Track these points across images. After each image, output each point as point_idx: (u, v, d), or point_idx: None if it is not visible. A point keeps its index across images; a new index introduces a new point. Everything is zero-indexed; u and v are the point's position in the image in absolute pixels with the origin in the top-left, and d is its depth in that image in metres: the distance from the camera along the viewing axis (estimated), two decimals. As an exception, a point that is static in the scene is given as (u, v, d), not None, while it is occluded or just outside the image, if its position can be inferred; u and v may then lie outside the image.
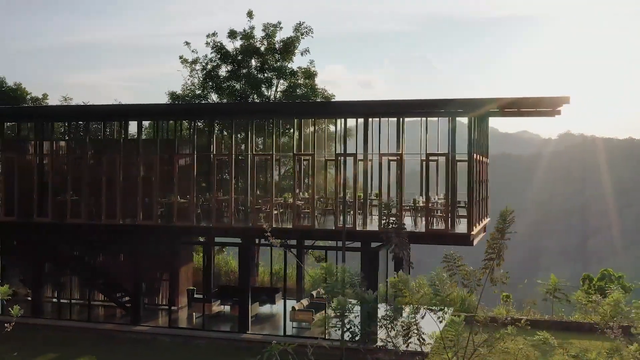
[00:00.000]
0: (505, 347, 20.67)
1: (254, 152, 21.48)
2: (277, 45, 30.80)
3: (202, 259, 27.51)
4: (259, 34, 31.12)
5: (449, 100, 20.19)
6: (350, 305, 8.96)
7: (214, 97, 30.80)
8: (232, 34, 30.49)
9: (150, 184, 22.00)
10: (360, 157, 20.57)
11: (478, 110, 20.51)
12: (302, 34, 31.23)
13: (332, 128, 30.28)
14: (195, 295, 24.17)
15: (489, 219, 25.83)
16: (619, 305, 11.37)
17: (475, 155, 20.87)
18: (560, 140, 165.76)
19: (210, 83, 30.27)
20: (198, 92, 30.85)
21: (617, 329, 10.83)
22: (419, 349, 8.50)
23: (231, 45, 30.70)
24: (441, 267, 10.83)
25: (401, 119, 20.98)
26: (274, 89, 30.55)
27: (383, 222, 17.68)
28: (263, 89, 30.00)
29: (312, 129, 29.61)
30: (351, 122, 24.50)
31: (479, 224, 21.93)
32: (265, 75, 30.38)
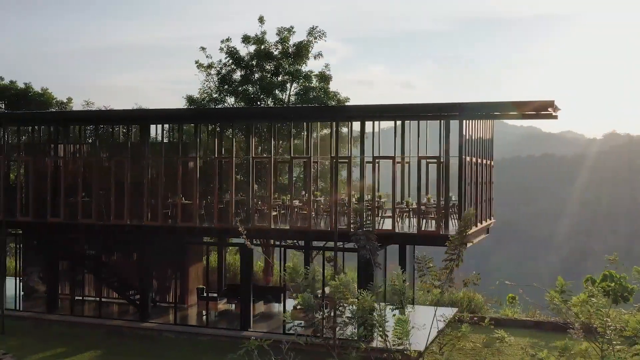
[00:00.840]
0: (462, 345, 20.98)
1: (252, 155, 22.11)
2: (290, 50, 31.41)
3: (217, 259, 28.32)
4: (273, 38, 31.79)
5: (442, 104, 20.54)
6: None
7: (230, 101, 31.57)
8: (246, 39, 31.22)
9: (158, 186, 22.81)
10: (355, 160, 21.08)
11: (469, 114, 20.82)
12: (315, 38, 31.79)
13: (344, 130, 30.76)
14: (204, 294, 24.93)
15: (493, 220, 26.09)
16: (584, 306, 11.72)
17: (471, 157, 21.20)
18: (605, 140, 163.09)
19: (226, 87, 31.05)
20: (215, 95, 31.65)
21: (578, 329, 11.18)
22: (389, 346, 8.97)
23: (245, 50, 31.45)
24: (399, 269, 11.33)
25: (398, 122, 21.41)
26: (287, 92, 31.18)
27: (352, 225, 18.18)
28: (276, 92, 30.64)
29: (321, 132, 30.20)
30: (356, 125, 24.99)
31: (477, 226, 22.19)
32: (279, 78, 31.03)
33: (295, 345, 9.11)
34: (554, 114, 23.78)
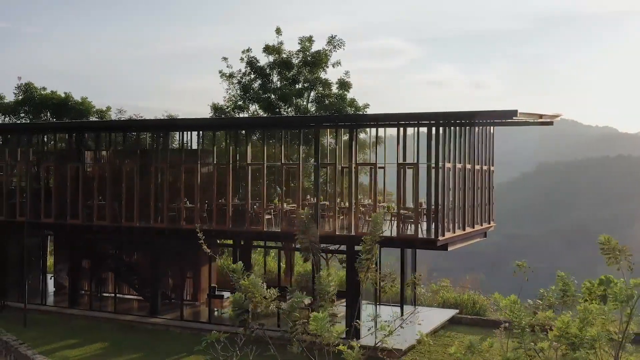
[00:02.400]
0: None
1: (248, 162, 23.43)
2: (309, 58, 32.66)
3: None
4: (295, 47, 33.10)
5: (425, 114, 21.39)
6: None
7: (253, 108, 33.06)
8: (267, 49, 32.64)
9: (168, 190, 24.41)
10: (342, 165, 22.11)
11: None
12: (334, 47, 32.95)
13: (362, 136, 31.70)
14: (214, 292, 26.40)
15: (494, 223, 26.63)
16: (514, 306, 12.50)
17: (454, 164, 21.95)
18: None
19: (247, 95, 32.56)
20: (239, 103, 33.20)
21: (502, 328, 12.02)
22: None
23: (265, 60, 32.87)
24: (326, 271, 12.41)
25: (378, 130, 22.35)
26: (305, 99, 32.43)
27: (299, 227, 19.02)
28: (294, 100, 31.93)
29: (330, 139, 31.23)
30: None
31: (465, 229, 22.88)
32: (298, 86, 32.32)
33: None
34: (547, 120, 24.36)
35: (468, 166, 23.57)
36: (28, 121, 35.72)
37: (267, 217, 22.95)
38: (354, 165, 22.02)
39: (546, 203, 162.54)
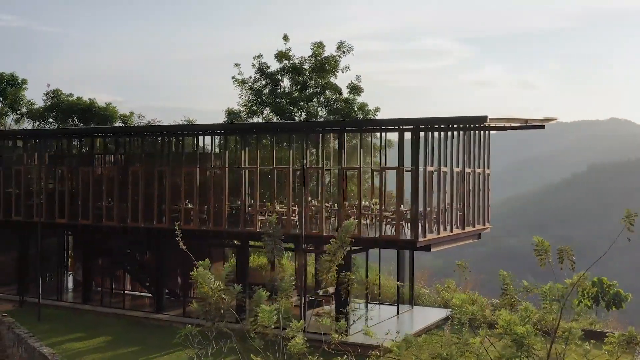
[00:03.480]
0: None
1: (242, 166, 24.49)
2: (319, 64, 33.57)
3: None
4: (307, 53, 34.06)
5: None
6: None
7: (266, 113, 34.15)
8: (278, 55, 33.70)
9: (173, 192, 25.67)
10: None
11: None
12: (343, 52, 33.81)
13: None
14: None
15: (489, 225, 27.14)
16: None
17: (439, 167, 22.62)
18: None
19: (258, 100, 33.66)
20: (254, 107, 34.31)
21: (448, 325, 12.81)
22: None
23: (275, 66, 33.93)
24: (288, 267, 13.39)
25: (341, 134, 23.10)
26: (315, 104, 33.35)
27: (263, 228, 19.77)
28: (302, 104, 32.92)
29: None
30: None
31: (452, 231, 23.51)
32: (308, 91, 33.28)
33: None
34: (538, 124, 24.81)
35: (457, 169, 24.19)
36: (55, 126, 37.48)
37: (260, 218, 23.96)
38: (355, 169, 22.91)
39: (597, 204, 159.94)
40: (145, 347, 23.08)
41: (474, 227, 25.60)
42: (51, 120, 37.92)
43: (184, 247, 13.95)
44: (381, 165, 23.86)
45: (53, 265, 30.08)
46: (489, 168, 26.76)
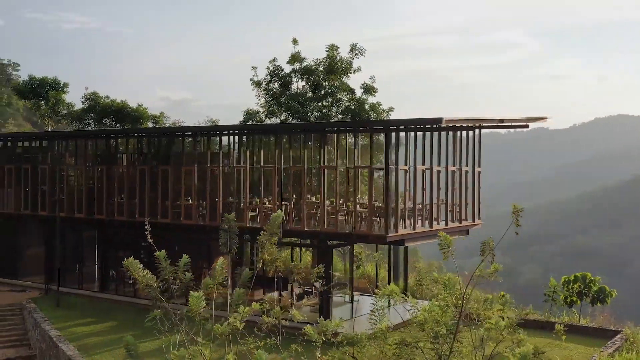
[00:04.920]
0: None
1: (234, 165, 26.14)
2: (333, 66, 34.94)
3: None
4: (321, 55, 35.47)
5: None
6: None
7: (282, 113, 35.75)
8: (292, 58, 35.22)
9: (177, 189, 27.58)
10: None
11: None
12: (356, 54, 35.09)
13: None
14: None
15: (480, 222, 27.97)
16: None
17: (414, 165, 23.74)
18: None
19: (273, 101, 35.28)
20: (271, 109, 35.95)
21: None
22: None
23: (288, 68, 35.44)
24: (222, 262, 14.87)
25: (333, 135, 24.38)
26: (328, 105, 34.75)
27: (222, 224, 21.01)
28: (315, 105, 34.35)
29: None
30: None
31: (431, 227, 24.55)
32: (320, 92, 34.70)
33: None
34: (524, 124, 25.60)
35: (438, 167, 25.21)
36: (91, 127, 40.12)
37: (251, 213, 25.56)
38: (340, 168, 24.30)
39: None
40: (145, 332, 24.94)
41: (460, 223, 26.49)
42: (88, 121, 40.57)
43: (150, 241, 15.57)
44: (368, 165, 25.03)
45: (83, 257, 32.45)
46: (479, 166, 27.55)
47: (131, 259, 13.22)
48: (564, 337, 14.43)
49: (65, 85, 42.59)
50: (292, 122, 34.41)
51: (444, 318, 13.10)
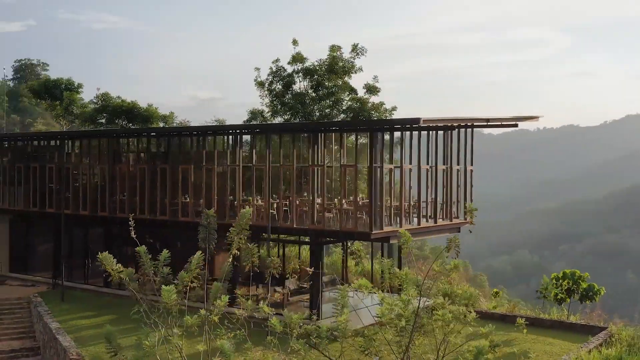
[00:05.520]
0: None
1: (229, 164, 26.87)
2: (334, 67, 35.53)
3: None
4: (324, 56, 36.10)
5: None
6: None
7: (285, 113, 36.45)
8: (293, 59, 35.90)
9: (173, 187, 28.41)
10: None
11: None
12: (357, 54, 35.65)
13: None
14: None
15: (470, 220, 28.33)
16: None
17: (400, 164, 24.27)
18: None
19: (275, 101, 36.00)
20: (275, 109, 36.66)
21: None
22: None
23: (290, 69, 36.13)
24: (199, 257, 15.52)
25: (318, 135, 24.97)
26: (329, 105, 35.36)
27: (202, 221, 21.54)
28: (316, 105, 35.00)
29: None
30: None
31: (419, 224, 25.05)
32: (321, 92, 35.34)
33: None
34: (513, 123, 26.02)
35: (426, 167, 25.69)
36: (103, 127, 41.26)
37: (243, 211, 26.23)
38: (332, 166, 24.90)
39: None
40: (139, 324, 25.83)
41: (451, 220, 26.91)
42: (100, 121, 41.67)
43: (134, 236, 16.25)
44: (349, 163, 25.61)
45: (89, 253, 33.42)
46: (471, 165, 27.92)
47: (105, 253, 13.95)
48: (525, 330, 14.92)
49: (80, 85, 43.87)
50: (294, 122, 35.06)
51: (406, 312, 13.66)
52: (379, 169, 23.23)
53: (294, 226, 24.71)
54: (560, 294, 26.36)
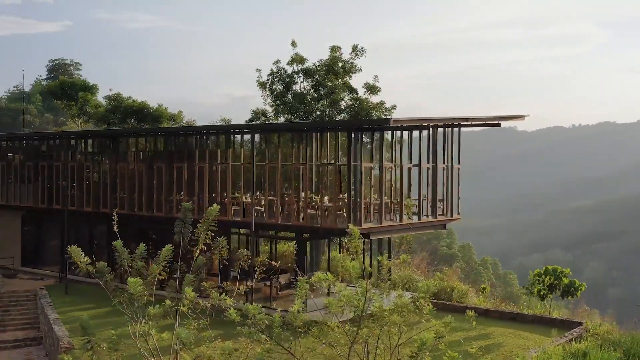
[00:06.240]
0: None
1: (218, 162, 27.85)
2: (335, 68, 36.28)
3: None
4: (324, 56, 36.89)
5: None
6: None
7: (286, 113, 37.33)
8: (292, 60, 36.74)
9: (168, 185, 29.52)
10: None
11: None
12: (357, 55, 36.39)
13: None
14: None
15: (458, 217, 28.96)
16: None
17: (380, 163, 24.97)
18: None
19: (277, 101, 36.89)
20: (278, 109, 37.54)
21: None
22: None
23: (290, 70, 36.99)
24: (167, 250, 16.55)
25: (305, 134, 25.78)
26: (328, 105, 36.15)
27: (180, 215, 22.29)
28: (313, 105, 35.82)
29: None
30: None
31: (401, 221, 25.73)
32: (321, 92, 36.14)
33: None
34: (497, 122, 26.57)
35: (408, 165, 26.37)
36: (114, 127, 42.62)
37: (234, 208, 27.25)
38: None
39: None
40: (136, 316, 26.99)
41: (436, 217, 27.52)
42: (112, 121, 43.00)
43: (116, 230, 17.27)
44: (333, 163, 26.40)
45: (94, 248, 34.76)
46: (458, 163, 28.47)
47: (74, 247, 14.88)
48: (474, 322, 15.57)
49: (94, 86, 45.33)
50: (295, 121, 35.92)
51: (359, 303, 14.40)
52: (357, 167, 23.98)
53: (279, 222, 25.58)
54: (543, 290, 26.84)
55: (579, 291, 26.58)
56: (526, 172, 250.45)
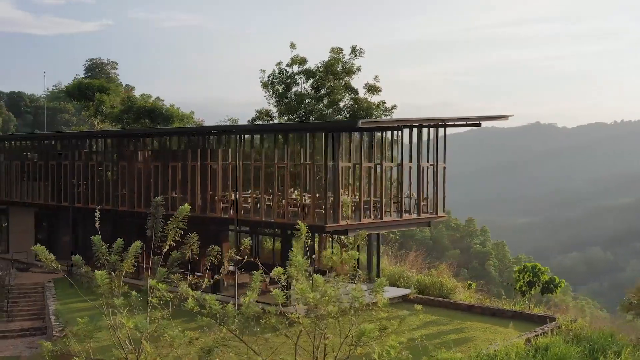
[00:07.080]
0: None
1: (208, 162, 29.05)
2: (336, 68, 37.15)
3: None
4: (326, 57, 37.80)
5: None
6: None
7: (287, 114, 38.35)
8: (293, 61, 37.70)
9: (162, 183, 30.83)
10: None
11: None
12: (356, 55, 37.24)
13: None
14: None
15: (444, 215, 29.70)
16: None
17: (360, 162, 25.89)
18: None
19: (280, 102, 37.91)
20: (280, 109, 38.56)
21: None
22: None
23: (291, 70, 37.95)
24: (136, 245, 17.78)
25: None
26: (328, 106, 37.08)
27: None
28: (316, 105, 36.76)
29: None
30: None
31: (381, 218, 26.57)
32: (322, 92, 37.07)
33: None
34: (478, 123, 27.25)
35: (390, 164, 27.21)
36: (127, 126, 44.23)
37: (223, 205, 28.41)
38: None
39: None
40: (130, 308, 28.33)
41: (419, 215, 28.27)
42: (126, 120, 44.57)
43: (97, 226, 18.55)
44: (319, 162, 27.32)
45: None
46: (444, 162, 29.14)
47: (38, 245, 16.07)
48: (420, 315, 16.41)
49: (110, 88, 47.06)
50: (295, 121, 36.93)
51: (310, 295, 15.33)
52: (335, 167, 24.90)
53: (262, 219, 26.65)
54: (523, 287, 27.44)
55: (559, 288, 27.11)
56: (565, 169, 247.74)
